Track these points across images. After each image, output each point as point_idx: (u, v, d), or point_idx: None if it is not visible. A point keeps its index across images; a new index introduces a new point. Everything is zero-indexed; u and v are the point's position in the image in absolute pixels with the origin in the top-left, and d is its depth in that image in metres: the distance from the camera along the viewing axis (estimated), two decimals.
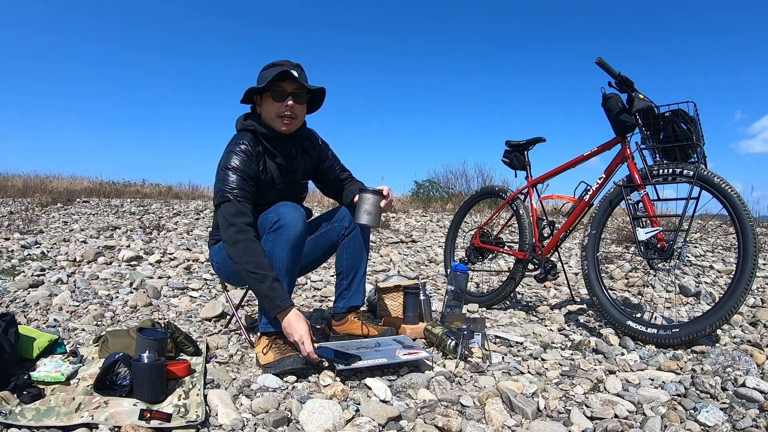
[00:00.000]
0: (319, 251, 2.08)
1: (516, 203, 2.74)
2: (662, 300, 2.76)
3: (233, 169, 1.78)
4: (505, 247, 2.85)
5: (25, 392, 1.38)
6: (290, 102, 1.83)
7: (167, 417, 1.29)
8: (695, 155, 2.06)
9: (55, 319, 2.35)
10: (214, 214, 2.06)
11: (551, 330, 2.29)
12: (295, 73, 1.80)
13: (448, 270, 2.82)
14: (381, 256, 4.34)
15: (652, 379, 1.65)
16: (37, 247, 4.23)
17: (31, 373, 1.49)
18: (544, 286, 3.30)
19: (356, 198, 1.92)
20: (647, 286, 3.04)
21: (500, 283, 2.77)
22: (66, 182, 10.98)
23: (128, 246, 4.35)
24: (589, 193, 2.40)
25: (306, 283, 3.32)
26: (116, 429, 1.25)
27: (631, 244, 4.28)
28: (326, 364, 1.72)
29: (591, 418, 1.38)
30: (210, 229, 4.17)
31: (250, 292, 2.37)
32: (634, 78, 2.15)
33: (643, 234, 2.06)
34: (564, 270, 2.77)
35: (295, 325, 1.65)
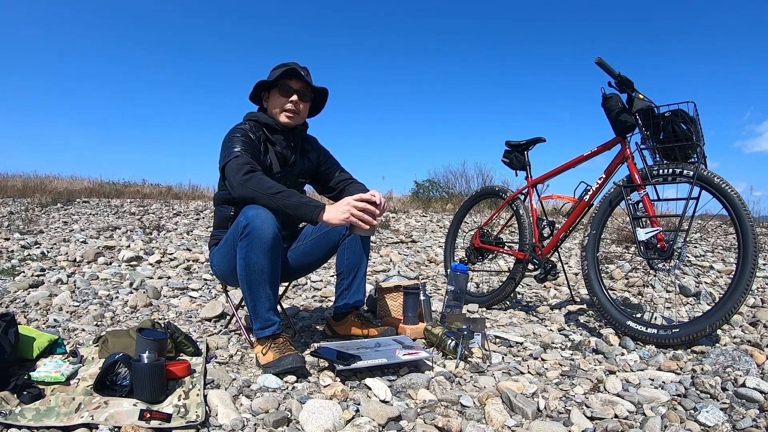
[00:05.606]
0: (320, 252, 2.09)
1: (516, 203, 2.74)
2: (662, 300, 2.76)
3: (238, 141, 1.83)
4: (505, 247, 2.85)
5: (25, 392, 1.38)
6: (295, 98, 1.92)
7: (167, 417, 1.29)
8: (695, 155, 2.06)
9: (55, 319, 2.35)
10: (214, 213, 2.07)
11: (551, 330, 2.29)
12: (302, 73, 1.92)
13: (448, 270, 2.82)
14: (381, 256, 4.34)
15: (652, 379, 1.65)
16: (37, 248, 4.22)
17: (31, 373, 1.49)
18: (544, 286, 3.30)
19: None
20: (647, 286, 3.04)
21: (500, 283, 2.77)
22: (66, 182, 10.95)
23: (128, 246, 4.35)
24: (589, 193, 2.40)
25: (306, 284, 3.32)
26: (116, 429, 1.25)
27: (631, 244, 4.28)
28: (326, 364, 1.72)
29: (591, 418, 1.38)
30: (211, 229, 4.17)
31: None
32: (635, 78, 2.16)
33: (643, 234, 2.06)
34: (564, 270, 2.77)
35: (337, 204, 1.71)
